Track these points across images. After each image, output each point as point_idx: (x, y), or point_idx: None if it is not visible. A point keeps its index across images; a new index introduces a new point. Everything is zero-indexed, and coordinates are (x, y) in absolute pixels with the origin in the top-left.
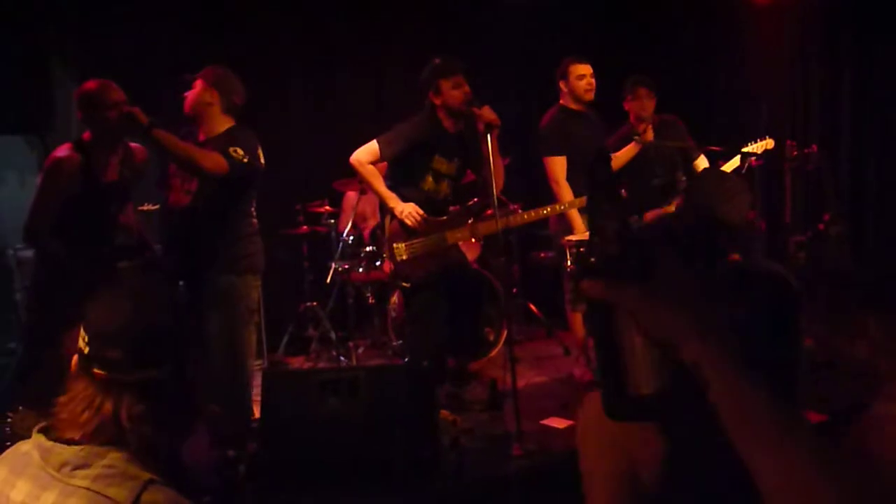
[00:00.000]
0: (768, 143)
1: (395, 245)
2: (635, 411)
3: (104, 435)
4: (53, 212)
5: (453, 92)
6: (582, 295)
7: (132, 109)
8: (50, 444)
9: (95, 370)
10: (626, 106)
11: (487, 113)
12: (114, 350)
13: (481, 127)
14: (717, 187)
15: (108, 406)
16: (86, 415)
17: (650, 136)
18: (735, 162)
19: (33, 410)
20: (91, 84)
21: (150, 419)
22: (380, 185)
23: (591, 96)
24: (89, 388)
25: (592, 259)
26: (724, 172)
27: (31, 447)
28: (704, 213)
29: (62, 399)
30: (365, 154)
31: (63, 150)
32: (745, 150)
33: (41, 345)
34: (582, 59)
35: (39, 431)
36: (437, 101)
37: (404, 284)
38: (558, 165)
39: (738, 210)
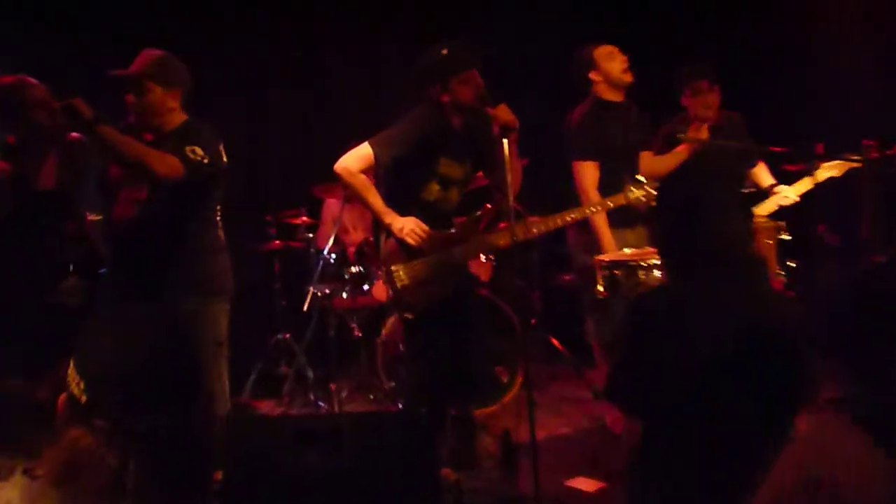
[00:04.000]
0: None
1: (392, 268)
2: None
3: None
4: None
5: (465, 88)
6: None
7: (72, 101)
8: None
9: (95, 420)
10: (685, 102)
11: (504, 113)
12: (115, 396)
13: (496, 130)
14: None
15: (112, 460)
16: (86, 471)
17: (704, 134)
18: (805, 183)
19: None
20: (5, 80)
21: (158, 475)
22: (374, 198)
23: (629, 76)
24: (88, 439)
25: None
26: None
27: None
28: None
29: (52, 450)
30: (354, 160)
31: None
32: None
33: None
34: (601, 43)
35: (23, 474)
36: (445, 99)
37: (407, 316)
38: (589, 172)
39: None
